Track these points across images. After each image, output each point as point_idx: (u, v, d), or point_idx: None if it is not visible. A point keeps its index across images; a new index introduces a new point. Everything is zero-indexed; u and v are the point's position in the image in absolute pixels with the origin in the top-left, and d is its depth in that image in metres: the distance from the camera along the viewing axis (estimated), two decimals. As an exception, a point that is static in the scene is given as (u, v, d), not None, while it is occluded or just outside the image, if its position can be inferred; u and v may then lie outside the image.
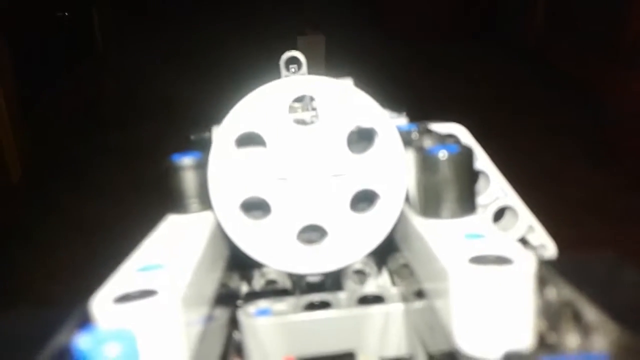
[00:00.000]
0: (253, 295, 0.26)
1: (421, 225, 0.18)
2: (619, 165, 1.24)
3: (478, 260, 0.15)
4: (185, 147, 0.24)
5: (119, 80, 1.94)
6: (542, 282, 0.14)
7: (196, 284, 0.17)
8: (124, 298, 0.14)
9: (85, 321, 0.14)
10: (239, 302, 0.25)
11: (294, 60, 0.47)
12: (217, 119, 0.39)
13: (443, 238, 0.17)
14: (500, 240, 0.16)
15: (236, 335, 0.23)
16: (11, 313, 0.13)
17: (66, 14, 1.65)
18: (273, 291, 0.26)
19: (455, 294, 0.14)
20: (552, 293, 0.14)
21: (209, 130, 0.32)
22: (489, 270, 0.14)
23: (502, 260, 0.14)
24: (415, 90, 1.72)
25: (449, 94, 1.75)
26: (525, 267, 0.14)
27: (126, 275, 0.16)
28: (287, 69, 0.47)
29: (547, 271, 0.14)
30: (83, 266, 1.01)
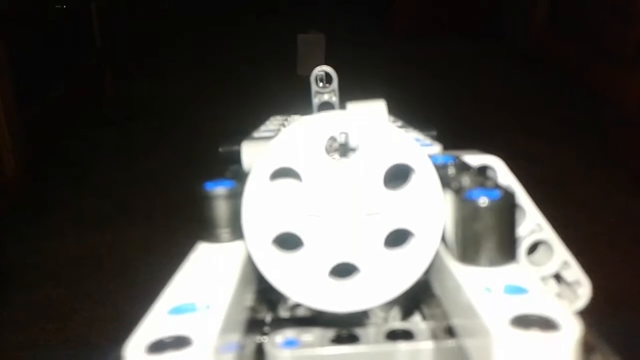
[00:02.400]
0: (279, 323, 0.26)
1: (458, 272, 0.18)
2: (622, 167, 1.22)
3: (520, 321, 0.14)
4: (218, 174, 0.23)
5: (118, 76, 1.95)
6: (588, 348, 0.14)
7: (229, 325, 0.16)
8: (158, 346, 0.14)
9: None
10: (266, 329, 0.25)
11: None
12: (247, 133, 0.39)
13: (483, 291, 0.16)
14: (543, 296, 0.16)
15: (263, 366, 0.23)
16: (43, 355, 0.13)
17: (64, 6, 1.65)
18: (299, 319, 0.26)
19: (497, 357, 0.14)
20: (598, 361, 0.14)
21: (238, 144, 0.32)
22: (532, 336, 0.14)
23: (546, 323, 0.14)
24: (416, 92, 1.70)
25: (448, 97, 1.74)
26: (572, 333, 0.14)
27: (159, 318, 0.16)
28: (317, 83, 0.46)
29: (594, 337, 0.14)
30: (78, 263, 1.01)
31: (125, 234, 1.08)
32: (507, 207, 0.18)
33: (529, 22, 2.01)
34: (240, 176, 0.23)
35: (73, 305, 0.88)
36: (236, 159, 0.31)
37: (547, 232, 0.27)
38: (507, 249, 0.18)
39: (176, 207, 1.09)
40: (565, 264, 0.27)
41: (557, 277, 0.28)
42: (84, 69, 1.75)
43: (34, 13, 1.49)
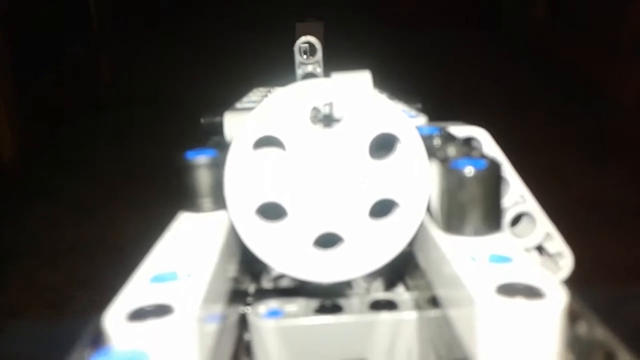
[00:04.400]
0: (262, 293, 0.25)
1: (444, 241, 0.18)
2: (619, 160, 1.24)
3: (506, 289, 0.14)
4: (199, 144, 0.23)
5: (115, 62, 1.92)
6: (573, 316, 0.14)
7: (211, 294, 0.16)
8: (138, 314, 0.14)
9: (97, 337, 0.13)
10: (249, 299, 0.25)
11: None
12: (229, 104, 0.38)
13: (468, 260, 0.16)
14: (528, 265, 0.15)
15: (246, 336, 0.23)
16: (19, 328, 0.13)
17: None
18: (282, 289, 0.26)
19: (482, 325, 0.14)
20: (583, 328, 0.14)
21: (220, 115, 0.31)
22: (518, 304, 0.13)
23: (531, 292, 0.14)
24: (408, 83, 1.70)
25: (447, 88, 1.73)
26: (557, 301, 0.13)
27: (140, 286, 0.15)
28: (302, 55, 0.46)
29: (579, 305, 0.14)
30: (74, 249, 1.00)
31: (121, 220, 1.07)
32: (493, 177, 0.18)
33: (528, 14, 2.01)
34: (222, 147, 0.22)
35: (70, 291, 0.88)
36: (218, 130, 0.30)
37: (530, 204, 0.27)
38: (492, 219, 0.18)
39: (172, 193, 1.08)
40: (548, 235, 0.27)
41: (540, 249, 0.28)
42: (80, 54, 1.73)
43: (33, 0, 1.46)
